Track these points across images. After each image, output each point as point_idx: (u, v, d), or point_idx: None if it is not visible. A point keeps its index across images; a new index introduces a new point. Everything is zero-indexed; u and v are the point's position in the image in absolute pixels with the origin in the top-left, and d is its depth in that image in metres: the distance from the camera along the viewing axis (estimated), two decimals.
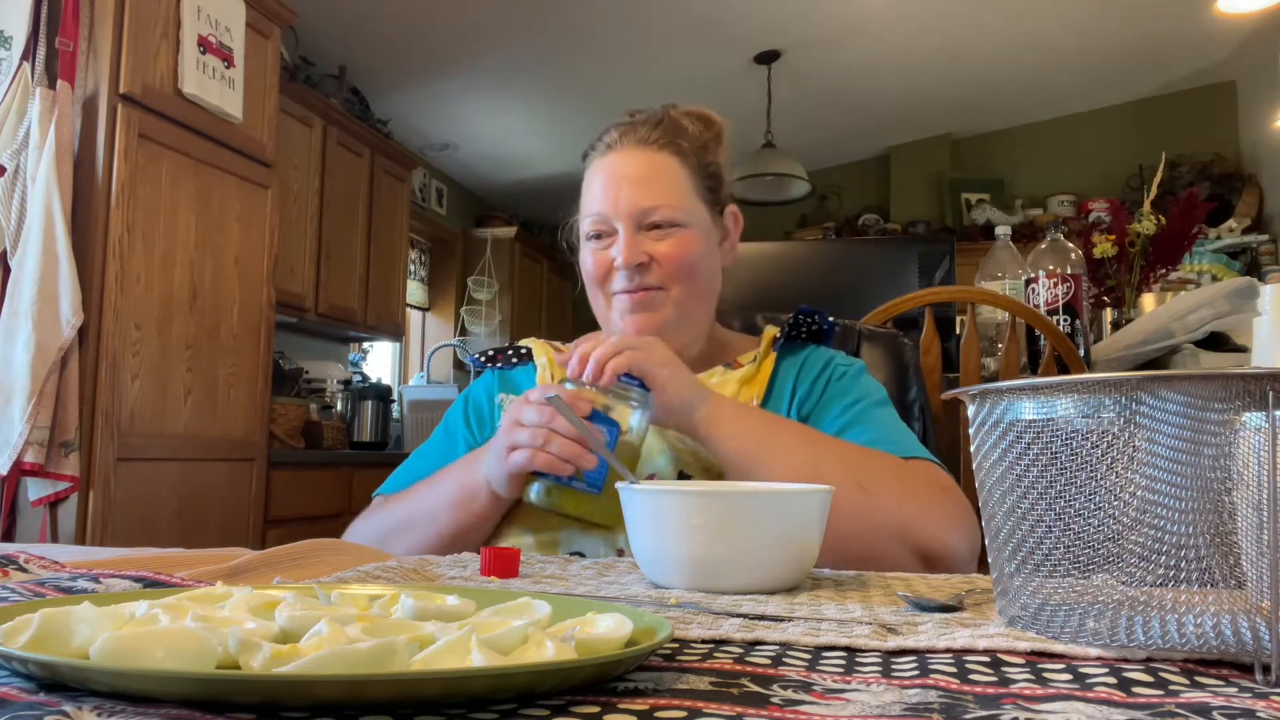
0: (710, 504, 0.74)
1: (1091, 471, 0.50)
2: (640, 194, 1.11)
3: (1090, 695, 0.42)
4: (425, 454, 1.24)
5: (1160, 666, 0.47)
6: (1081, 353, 2.01)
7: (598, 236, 1.14)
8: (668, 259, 1.11)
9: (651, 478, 1.07)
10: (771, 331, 1.22)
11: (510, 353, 1.29)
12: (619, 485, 0.79)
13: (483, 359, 1.29)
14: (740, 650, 0.50)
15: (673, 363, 1.00)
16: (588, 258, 1.16)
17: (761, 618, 0.60)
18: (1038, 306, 2.11)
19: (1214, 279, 3.09)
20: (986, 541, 0.59)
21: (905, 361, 1.35)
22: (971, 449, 0.59)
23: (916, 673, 0.46)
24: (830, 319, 1.22)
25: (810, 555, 0.76)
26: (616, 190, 1.12)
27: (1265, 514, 0.45)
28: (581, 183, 1.20)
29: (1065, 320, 2.11)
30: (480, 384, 1.29)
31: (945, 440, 1.72)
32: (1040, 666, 0.47)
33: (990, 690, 0.43)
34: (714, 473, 1.05)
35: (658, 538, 0.75)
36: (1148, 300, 2.57)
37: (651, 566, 0.76)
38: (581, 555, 1.02)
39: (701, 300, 1.16)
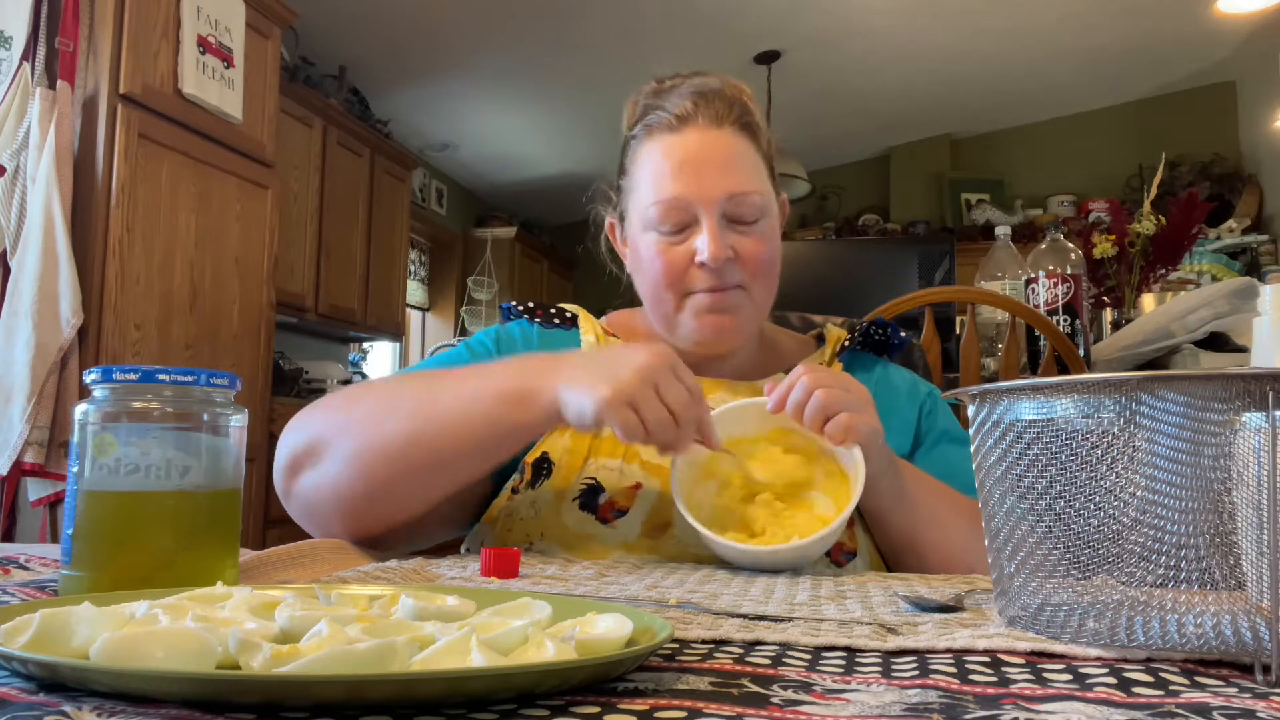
0: None
1: (1091, 471, 0.50)
2: (730, 179, 0.97)
3: (1090, 695, 0.42)
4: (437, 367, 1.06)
5: (1160, 666, 0.47)
6: (1081, 353, 2.01)
7: (674, 230, 0.98)
8: (752, 256, 0.98)
9: None
10: (838, 335, 1.14)
11: (553, 312, 1.12)
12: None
13: (520, 309, 1.13)
14: (740, 650, 0.50)
15: (880, 431, 0.88)
16: (655, 254, 0.99)
17: (761, 618, 0.60)
18: (1037, 306, 2.11)
19: (1214, 279, 3.09)
20: (986, 541, 0.59)
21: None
22: (971, 449, 0.59)
23: (916, 673, 0.46)
24: (903, 334, 1.14)
25: None
26: (699, 172, 0.96)
27: (1265, 514, 0.45)
28: (625, 159, 1.04)
29: (1065, 320, 2.10)
30: (514, 329, 1.12)
31: None
32: (1040, 667, 0.47)
33: (990, 690, 0.43)
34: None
35: None
36: (1148, 300, 2.57)
37: None
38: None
39: (771, 299, 1.05)
